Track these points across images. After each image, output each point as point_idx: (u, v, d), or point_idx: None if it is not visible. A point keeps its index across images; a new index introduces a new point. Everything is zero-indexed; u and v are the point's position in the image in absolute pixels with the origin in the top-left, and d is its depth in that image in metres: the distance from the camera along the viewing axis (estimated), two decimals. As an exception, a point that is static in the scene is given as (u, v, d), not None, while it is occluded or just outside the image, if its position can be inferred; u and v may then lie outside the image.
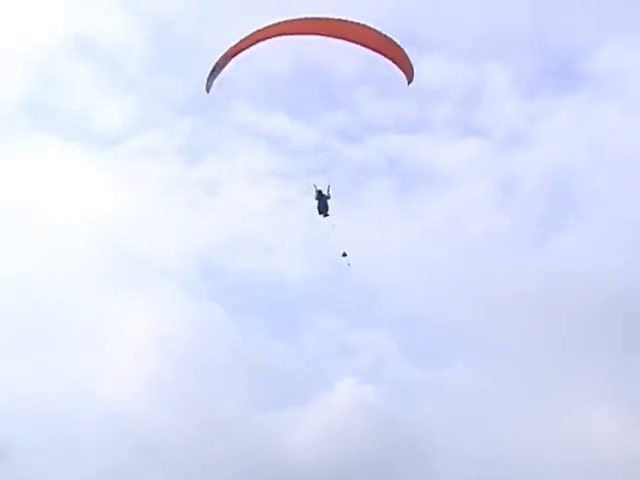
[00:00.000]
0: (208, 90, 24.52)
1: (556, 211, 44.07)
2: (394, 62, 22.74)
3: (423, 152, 45.41)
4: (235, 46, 23.52)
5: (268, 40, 23.32)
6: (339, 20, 22.33)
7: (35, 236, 40.81)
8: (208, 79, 24.34)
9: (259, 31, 22.96)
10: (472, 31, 43.97)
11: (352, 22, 22.36)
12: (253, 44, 23.46)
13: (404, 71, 22.84)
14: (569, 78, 46.44)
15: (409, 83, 23.11)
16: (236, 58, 24.35)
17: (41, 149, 42.54)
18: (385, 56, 22.69)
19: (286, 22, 22.59)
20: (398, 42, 22.38)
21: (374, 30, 22.36)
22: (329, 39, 22.74)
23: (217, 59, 23.99)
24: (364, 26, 22.35)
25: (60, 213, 41.89)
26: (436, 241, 42.30)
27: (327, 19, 22.46)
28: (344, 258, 26.06)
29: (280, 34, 23.00)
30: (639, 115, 43.89)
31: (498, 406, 37.78)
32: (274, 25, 22.70)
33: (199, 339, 40.93)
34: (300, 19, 22.58)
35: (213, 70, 24.08)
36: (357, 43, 22.47)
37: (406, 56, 22.54)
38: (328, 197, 25.75)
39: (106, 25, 41.89)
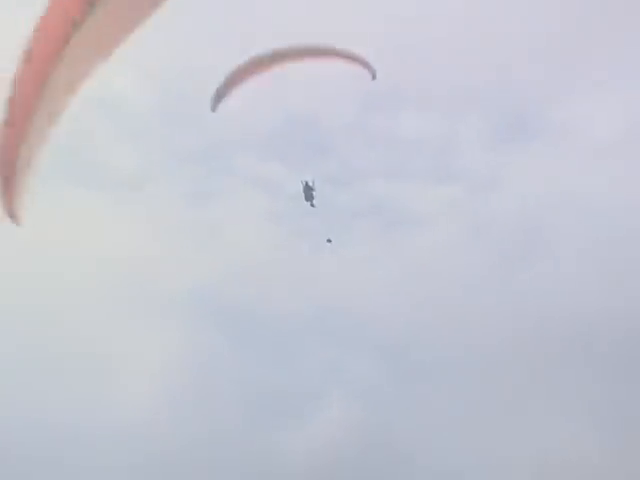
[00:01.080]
0: (213, 109, 26.77)
1: (524, 248, 47.56)
2: (359, 63, 25.85)
3: (404, 196, 49.25)
4: (234, 73, 25.82)
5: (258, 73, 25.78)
6: (310, 46, 25.43)
7: (58, 273, 44.72)
8: (214, 99, 26.57)
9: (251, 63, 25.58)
10: (445, 86, 47.92)
11: (317, 46, 25.52)
12: (250, 74, 25.84)
13: (368, 69, 26.08)
14: (535, 127, 50.61)
15: (373, 78, 26.36)
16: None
17: (61, 195, 46.06)
18: (353, 60, 25.74)
19: (268, 54, 25.24)
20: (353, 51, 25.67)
21: (333, 47, 25.52)
22: (307, 61, 25.55)
23: (221, 82, 26.21)
24: (326, 46, 25.48)
25: (77, 253, 45.84)
26: (417, 275, 45.93)
27: (303, 47, 25.38)
28: (329, 243, 30.28)
29: (264, 67, 25.48)
30: (595, 159, 48.05)
31: (475, 426, 40.80)
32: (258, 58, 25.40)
33: (204, 365, 44.78)
34: (281, 49, 25.34)
35: (219, 91, 26.28)
36: (328, 56, 25.37)
37: (364, 59, 25.82)
38: (313, 189, 30.15)
39: (120, 80, 45.22)
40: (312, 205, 30.35)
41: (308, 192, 30.16)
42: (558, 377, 41.44)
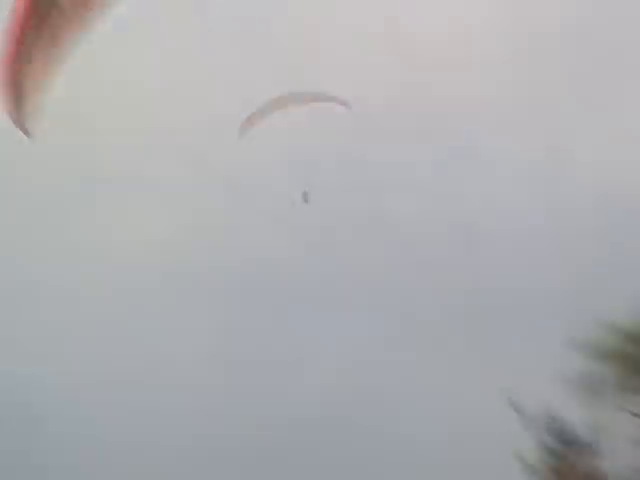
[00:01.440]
0: (239, 138, 33.46)
1: (464, 241, 53.16)
2: (339, 103, 31.90)
3: (381, 204, 54.56)
4: (251, 115, 32.68)
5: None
6: (306, 91, 31.87)
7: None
8: (240, 132, 33.33)
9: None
10: (408, 120, 52.18)
11: (311, 90, 31.90)
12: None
13: (346, 106, 32.32)
14: (475, 153, 55.40)
15: (348, 109, 32.53)
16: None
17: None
18: (336, 101, 31.93)
19: (272, 100, 31.80)
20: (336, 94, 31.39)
21: (322, 92, 31.85)
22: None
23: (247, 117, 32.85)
24: (317, 91, 31.82)
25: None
26: (395, 267, 52.43)
27: (299, 93, 31.94)
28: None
29: (270, 110, 31.88)
30: (518, 181, 54.50)
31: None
32: (265, 103, 31.87)
33: (225, 328, 52.95)
34: (283, 96, 31.79)
35: (242, 127, 33.12)
36: (317, 99, 31.96)
37: (343, 99, 31.91)
38: (307, 193, 41.10)
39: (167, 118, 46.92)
40: (306, 201, 39.77)
41: (305, 196, 41.40)
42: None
